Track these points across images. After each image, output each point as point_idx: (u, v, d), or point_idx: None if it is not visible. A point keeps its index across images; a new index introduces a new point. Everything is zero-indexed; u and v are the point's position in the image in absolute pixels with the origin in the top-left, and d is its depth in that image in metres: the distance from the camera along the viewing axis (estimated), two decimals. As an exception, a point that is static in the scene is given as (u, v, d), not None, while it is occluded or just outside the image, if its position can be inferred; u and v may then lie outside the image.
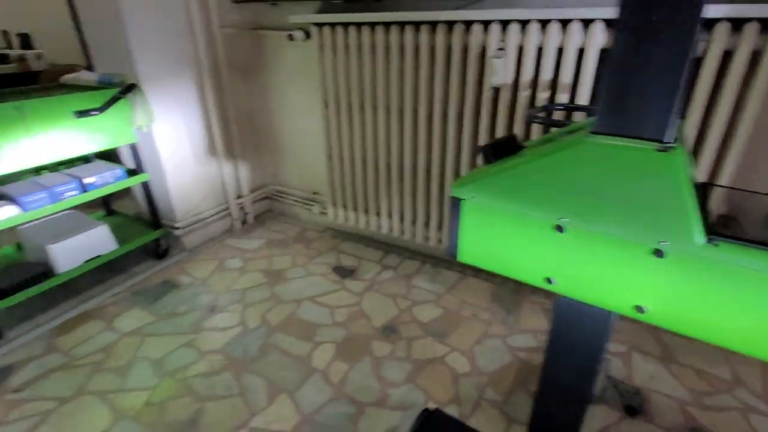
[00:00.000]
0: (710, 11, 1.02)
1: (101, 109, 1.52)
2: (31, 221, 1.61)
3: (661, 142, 0.50)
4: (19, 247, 1.77)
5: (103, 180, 1.62)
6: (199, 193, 2.02)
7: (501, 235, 0.63)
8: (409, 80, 1.48)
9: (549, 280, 0.61)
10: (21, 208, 1.41)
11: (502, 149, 0.64)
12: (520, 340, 1.41)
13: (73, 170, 1.64)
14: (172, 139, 1.84)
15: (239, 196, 2.18)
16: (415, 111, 1.55)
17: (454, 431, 0.97)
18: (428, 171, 1.63)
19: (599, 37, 1.16)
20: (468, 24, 1.34)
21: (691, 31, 0.45)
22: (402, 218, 1.79)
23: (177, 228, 1.94)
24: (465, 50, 1.38)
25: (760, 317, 0.46)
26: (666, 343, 1.37)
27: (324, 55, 1.61)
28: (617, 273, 0.55)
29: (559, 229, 0.57)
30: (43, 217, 1.68)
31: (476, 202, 0.64)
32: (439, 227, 1.71)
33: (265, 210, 2.39)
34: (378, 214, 1.84)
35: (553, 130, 1.14)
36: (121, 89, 1.57)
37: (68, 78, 1.77)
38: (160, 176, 1.85)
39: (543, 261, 0.60)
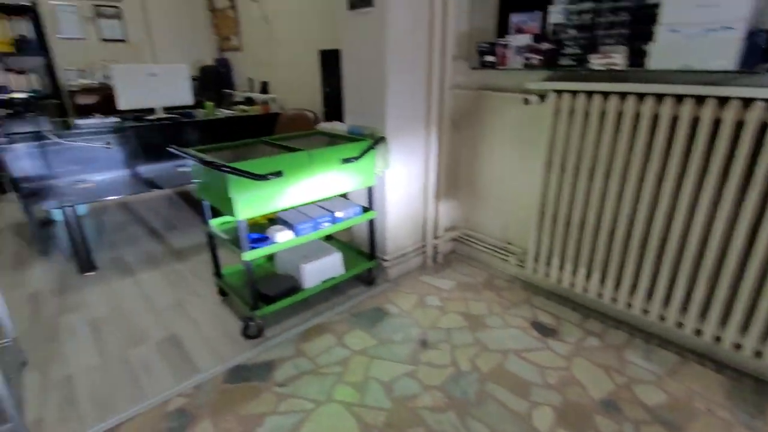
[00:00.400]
0: None
1: (358, 157, 1.82)
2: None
3: None
4: (269, 258, 2.19)
5: (347, 215, 1.92)
6: (404, 230, 2.24)
7: None
8: (658, 151, 1.45)
9: None
10: (295, 234, 1.76)
11: None
12: (785, 458, 1.21)
13: (325, 204, 1.98)
14: (395, 183, 2.09)
15: (435, 237, 2.35)
16: (659, 182, 1.49)
17: None
18: (663, 243, 1.55)
19: None
20: (747, 101, 1.26)
21: None
22: (618, 285, 1.71)
23: (386, 260, 2.18)
24: (738, 126, 1.30)
25: None
26: None
27: (558, 120, 1.67)
28: None
29: None
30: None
31: None
32: (666, 303, 1.59)
33: (450, 251, 2.52)
34: (588, 276, 1.79)
35: None
36: (374, 141, 1.86)
37: (324, 126, 2.16)
38: (382, 214, 2.11)
39: None
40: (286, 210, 1.91)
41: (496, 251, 2.29)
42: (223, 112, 3.20)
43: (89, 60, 4.14)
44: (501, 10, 1.88)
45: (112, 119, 2.66)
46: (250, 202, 1.55)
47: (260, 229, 1.88)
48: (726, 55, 1.23)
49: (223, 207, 1.63)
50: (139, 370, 1.60)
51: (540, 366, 1.60)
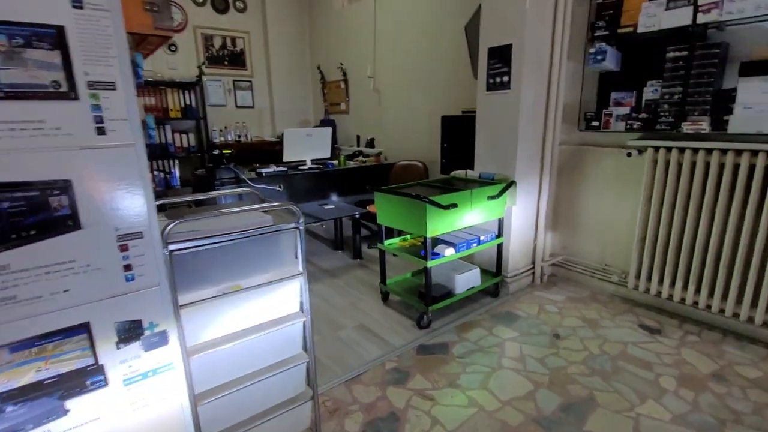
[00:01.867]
0: None
1: (497, 196, 2.47)
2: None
3: None
4: (413, 275, 2.81)
5: (486, 239, 2.54)
6: (520, 254, 2.82)
7: None
8: (739, 192, 2.01)
9: None
10: (455, 250, 2.38)
11: None
12: None
13: (471, 230, 2.62)
14: (516, 215, 2.71)
15: (543, 260, 2.92)
16: (742, 214, 2.04)
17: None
18: (748, 259, 2.06)
19: None
20: (805, 153, 1.83)
21: None
22: (711, 294, 2.21)
23: (507, 277, 2.75)
24: (800, 171, 1.86)
25: None
26: None
27: (658, 166, 2.27)
28: None
29: None
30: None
31: None
32: (752, 305, 2.07)
33: (552, 273, 3.06)
34: (685, 288, 2.30)
35: None
36: (508, 184, 2.51)
37: (458, 173, 2.85)
38: (507, 239, 2.72)
39: None
40: (448, 233, 2.54)
41: (594, 273, 2.81)
42: (349, 163, 3.99)
43: (226, 121, 5.15)
44: (601, 88, 2.55)
45: (282, 168, 3.47)
46: (435, 224, 2.20)
47: (418, 249, 2.52)
48: (786, 124, 1.82)
49: (411, 229, 2.29)
50: (352, 344, 2.21)
51: (655, 352, 2.09)
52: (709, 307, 2.23)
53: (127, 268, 0.94)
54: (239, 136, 5.18)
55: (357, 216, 3.35)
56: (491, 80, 2.60)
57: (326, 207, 3.52)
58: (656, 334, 2.26)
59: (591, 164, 2.72)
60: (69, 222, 0.85)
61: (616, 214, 2.65)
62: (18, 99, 0.76)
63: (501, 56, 2.52)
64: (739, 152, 2.01)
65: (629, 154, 2.39)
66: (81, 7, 0.78)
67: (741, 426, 1.59)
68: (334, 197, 3.83)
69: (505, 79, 2.52)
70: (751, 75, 1.92)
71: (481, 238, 2.51)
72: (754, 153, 1.97)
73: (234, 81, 5.23)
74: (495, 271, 2.72)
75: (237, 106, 5.29)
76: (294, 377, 1.41)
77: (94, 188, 0.86)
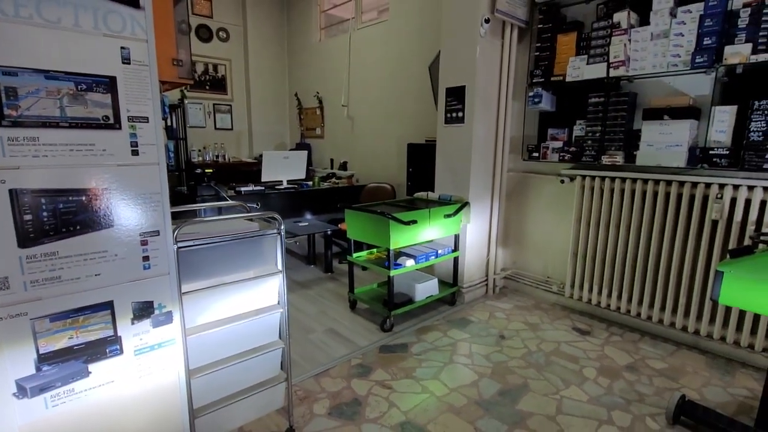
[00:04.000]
0: None
1: (453, 215, 2.82)
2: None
3: (824, 253, 1.35)
4: (378, 285, 3.10)
5: (443, 253, 2.87)
6: (474, 267, 3.17)
7: (747, 289, 1.49)
8: (650, 209, 2.44)
9: (773, 308, 1.44)
10: (415, 261, 2.70)
11: (743, 252, 1.54)
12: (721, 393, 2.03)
13: (431, 245, 2.94)
14: (471, 232, 3.07)
15: (495, 273, 3.27)
16: (653, 228, 2.46)
17: (704, 414, 1.70)
18: (659, 271, 2.47)
19: (792, 198, 1.97)
20: (693, 183, 2.28)
21: None
22: (630, 300, 2.60)
23: (463, 287, 3.08)
24: (690, 196, 2.30)
25: None
26: None
27: (585, 191, 2.69)
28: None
29: (778, 284, 1.42)
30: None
31: (732, 272, 1.52)
32: (661, 309, 2.47)
33: (503, 285, 3.42)
34: (609, 295, 2.69)
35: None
36: (462, 204, 2.87)
37: (420, 194, 3.20)
38: (463, 254, 3.06)
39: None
40: (407, 246, 2.86)
41: (538, 284, 3.19)
42: (323, 184, 4.30)
43: (205, 142, 5.38)
44: (540, 125, 2.99)
45: (260, 187, 3.74)
46: (397, 238, 2.52)
47: (383, 261, 2.82)
48: (678, 159, 2.27)
49: (377, 242, 2.60)
50: (322, 345, 2.46)
51: (582, 349, 2.44)
52: (629, 311, 2.62)
53: (146, 258, 1.20)
54: (217, 156, 5.41)
55: (329, 232, 3.63)
56: (449, 115, 3.00)
57: (300, 224, 3.79)
58: (586, 334, 2.62)
59: (533, 189, 3.13)
60: (105, 221, 1.12)
61: (555, 232, 3.05)
62: (78, 128, 1.03)
63: (457, 95, 2.93)
64: (645, 180, 2.45)
65: (562, 181, 2.81)
66: (129, 63, 1.07)
67: (642, 404, 1.94)
68: (308, 215, 4.10)
69: (460, 114, 2.92)
70: (650, 119, 2.38)
71: (439, 251, 2.84)
72: (656, 182, 2.41)
73: (214, 104, 5.50)
74: (452, 282, 3.05)
75: (216, 128, 5.54)
76: (271, 361, 1.66)
77: (127, 195, 1.13)
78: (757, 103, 2.05)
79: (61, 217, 1.05)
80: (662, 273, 2.45)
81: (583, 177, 2.70)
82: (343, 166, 5.02)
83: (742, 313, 2.23)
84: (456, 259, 3.00)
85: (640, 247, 2.51)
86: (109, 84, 1.05)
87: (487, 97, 2.93)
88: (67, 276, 1.08)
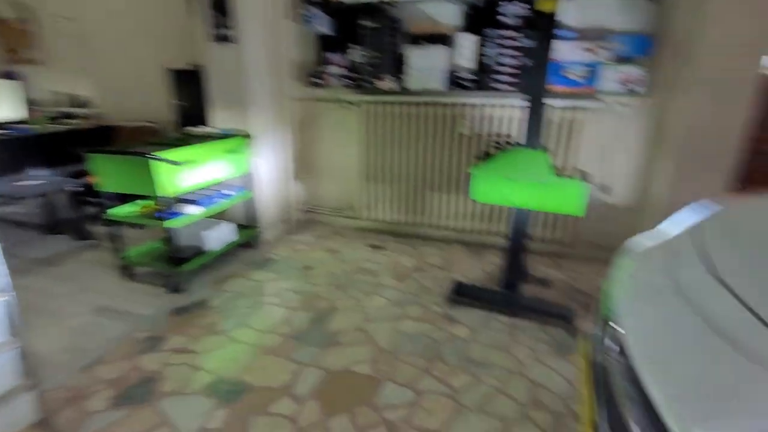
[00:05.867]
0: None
1: (236, 150, 2.53)
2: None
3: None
4: (164, 242, 2.62)
5: (233, 194, 2.59)
6: (272, 205, 3.01)
7: (490, 184, 1.83)
8: (422, 130, 2.72)
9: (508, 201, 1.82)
10: (202, 207, 2.35)
11: (485, 156, 1.87)
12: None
13: (216, 188, 2.59)
14: (265, 169, 2.85)
15: (295, 208, 3.20)
16: (425, 147, 2.77)
17: (472, 290, 2.12)
18: (431, 184, 2.84)
19: (517, 112, 2.50)
20: (448, 104, 2.63)
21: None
22: (411, 212, 2.95)
23: (262, 228, 2.91)
24: (452, 116, 2.66)
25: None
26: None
27: (369, 117, 2.80)
28: (519, 191, 1.78)
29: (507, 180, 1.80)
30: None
31: (479, 173, 1.84)
32: (431, 216, 2.90)
33: (306, 219, 3.40)
34: (396, 211, 2.99)
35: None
36: (242, 137, 2.59)
37: (195, 130, 2.74)
38: (259, 193, 2.83)
39: (504, 192, 1.82)
40: (188, 192, 2.43)
41: (336, 212, 3.29)
42: (56, 127, 3.22)
43: None
44: (320, 49, 2.88)
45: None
46: (167, 183, 2.10)
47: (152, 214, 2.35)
48: (438, 83, 2.55)
49: (140, 190, 2.11)
50: (89, 329, 1.94)
51: (378, 263, 2.68)
52: (414, 223, 2.99)
53: None
54: None
55: (74, 190, 2.79)
56: (216, 31, 2.56)
57: (25, 183, 2.79)
58: (380, 250, 2.88)
59: (322, 117, 3.08)
60: None
61: (345, 159, 3.12)
62: None
63: (220, 8, 2.49)
64: (417, 104, 2.70)
65: (355, 105, 2.84)
66: None
67: (429, 294, 2.28)
68: (38, 171, 3.04)
69: (231, 32, 2.52)
70: (412, 44, 2.56)
71: (225, 192, 2.55)
72: (426, 104, 2.69)
73: None
74: (251, 225, 2.83)
75: None
76: (1, 369, 1.18)
77: None
78: (488, 31, 2.43)
79: None
80: (436, 185, 2.83)
81: (368, 103, 2.79)
82: (84, 104, 3.86)
83: (489, 209, 2.82)
84: (251, 200, 2.77)
85: (417, 165, 2.83)
86: None
87: (258, 13, 2.60)
88: None
